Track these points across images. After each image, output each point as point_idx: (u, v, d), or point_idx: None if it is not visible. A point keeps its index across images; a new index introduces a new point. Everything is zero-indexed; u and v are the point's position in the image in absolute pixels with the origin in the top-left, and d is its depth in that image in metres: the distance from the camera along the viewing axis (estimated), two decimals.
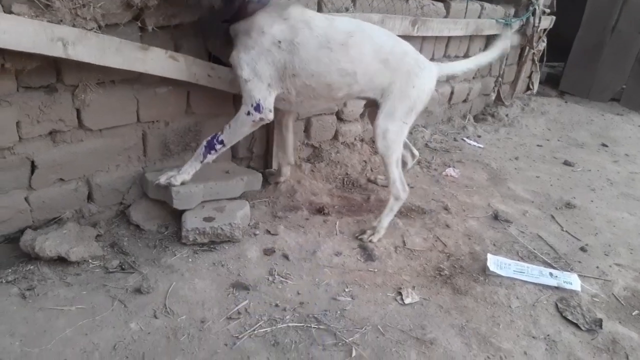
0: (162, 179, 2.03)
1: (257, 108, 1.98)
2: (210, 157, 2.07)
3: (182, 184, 2.05)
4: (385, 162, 2.23)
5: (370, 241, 2.21)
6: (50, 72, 1.77)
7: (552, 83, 5.71)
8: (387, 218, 2.28)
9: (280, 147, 2.50)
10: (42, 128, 1.82)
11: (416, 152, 2.68)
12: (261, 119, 2.00)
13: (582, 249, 2.39)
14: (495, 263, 2.13)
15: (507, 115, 4.20)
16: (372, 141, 3.23)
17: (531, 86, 4.80)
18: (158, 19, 1.92)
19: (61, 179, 1.94)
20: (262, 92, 1.97)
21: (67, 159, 1.92)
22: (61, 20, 1.65)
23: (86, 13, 1.70)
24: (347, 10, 2.59)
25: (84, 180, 2.01)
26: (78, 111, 1.89)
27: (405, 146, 2.54)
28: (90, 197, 2.06)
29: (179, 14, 1.97)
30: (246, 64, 1.93)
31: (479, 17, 3.64)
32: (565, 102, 5.03)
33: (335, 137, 3.02)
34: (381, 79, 2.13)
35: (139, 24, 1.89)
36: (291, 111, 2.38)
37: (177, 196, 2.05)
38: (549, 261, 2.24)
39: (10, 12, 1.54)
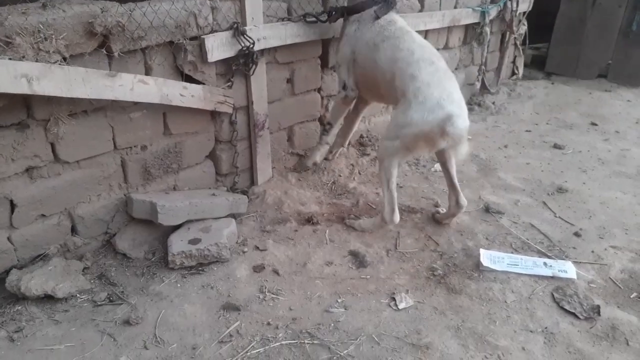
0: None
1: (344, 87, 2.46)
2: (326, 137, 2.68)
3: (314, 163, 2.75)
4: (378, 174, 2.27)
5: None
6: (20, 109, 1.75)
7: (538, 65, 5.65)
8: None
9: (342, 130, 2.70)
10: (18, 166, 1.80)
11: (463, 202, 2.35)
12: (346, 96, 2.48)
13: (577, 234, 2.36)
14: (489, 258, 2.11)
15: (493, 103, 4.17)
16: (359, 144, 3.21)
17: (516, 71, 4.78)
18: (124, 44, 1.89)
19: (42, 215, 1.92)
20: (345, 75, 2.45)
21: (46, 194, 1.90)
22: (23, 56, 1.63)
23: (49, 46, 1.68)
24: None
25: (66, 214, 1.99)
26: (52, 145, 1.87)
27: (453, 188, 2.35)
28: (74, 230, 2.03)
29: (146, 37, 1.95)
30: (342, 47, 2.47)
31: (455, 7, 3.61)
32: (552, 83, 4.99)
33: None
34: (393, 89, 2.17)
35: (105, 51, 1.87)
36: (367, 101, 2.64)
37: (163, 210, 2.04)
38: (543, 250, 2.22)
39: None
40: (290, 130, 2.80)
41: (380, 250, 2.18)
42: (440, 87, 2.00)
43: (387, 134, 2.17)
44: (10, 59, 1.58)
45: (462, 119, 1.97)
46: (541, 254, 2.19)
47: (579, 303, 1.88)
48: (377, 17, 2.28)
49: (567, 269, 2.05)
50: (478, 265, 2.08)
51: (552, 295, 1.93)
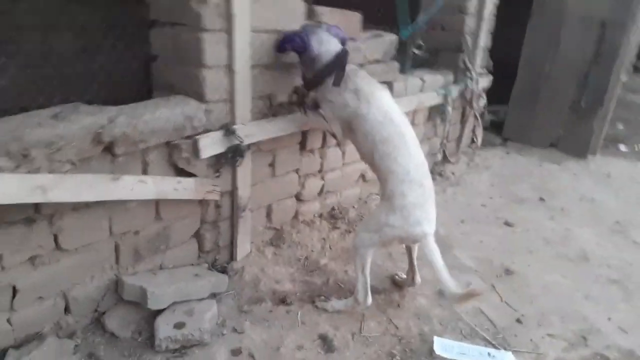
0: None
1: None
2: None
3: None
4: (353, 259, 2.53)
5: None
6: (28, 206, 1.93)
7: (496, 129, 6.08)
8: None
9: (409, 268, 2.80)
10: (22, 256, 1.97)
11: (418, 280, 2.78)
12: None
13: (518, 321, 2.67)
14: (441, 346, 2.38)
15: (453, 174, 4.54)
16: (331, 216, 3.48)
17: (475, 139, 5.16)
18: (127, 148, 2.11)
19: (40, 297, 2.09)
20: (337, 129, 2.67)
21: (45, 279, 2.07)
22: (39, 168, 1.83)
23: (61, 156, 1.89)
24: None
25: (62, 295, 2.16)
26: (55, 236, 2.05)
27: (412, 267, 2.77)
28: (67, 309, 2.20)
29: (146, 139, 2.17)
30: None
31: (421, 90, 3.97)
32: (507, 153, 5.41)
33: (296, 216, 3.24)
34: (381, 175, 2.49)
35: (110, 154, 2.08)
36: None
37: (152, 297, 2.24)
38: (488, 338, 2.51)
39: None
40: (269, 207, 3.04)
41: (347, 334, 2.42)
42: (423, 209, 2.41)
43: (367, 227, 2.48)
44: (28, 171, 1.78)
45: (431, 235, 2.43)
46: (487, 342, 2.48)
47: None
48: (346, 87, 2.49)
49: None
50: (431, 352, 2.35)
51: None
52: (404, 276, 2.88)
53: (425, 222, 2.41)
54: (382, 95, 2.57)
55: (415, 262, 2.77)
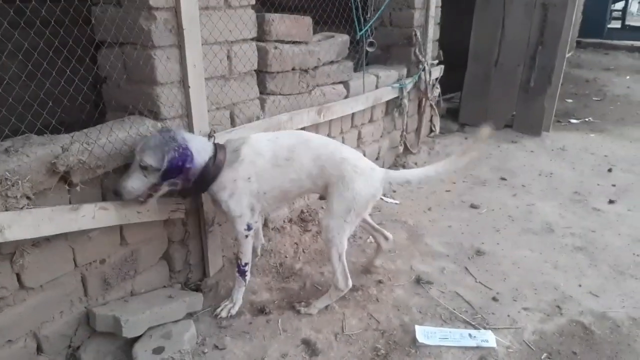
0: (224, 314, 2.51)
1: (248, 228, 2.47)
2: (247, 277, 2.58)
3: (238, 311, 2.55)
4: (328, 253, 2.53)
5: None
6: None
7: (452, 116, 6.23)
8: (323, 302, 2.60)
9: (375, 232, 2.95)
10: None
11: (389, 235, 2.93)
12: (252, 230, 2.52)
13: (494, 299, 2.73)
14: (423, 333, 2.41)
15: (415, 164, 4.61)
16: (301, 219, 3.48)
17: (433, 128, 5.27)
18: (84, 176, 2.05)
19: (9, 340, 2.00)
20: (249, 218, 2.47)
21: (12, 321, 1.98)
22: None
23: (16, 192, 1.81)
24: (257, 118, 2.83)
25: (32, 335, 2.07)
26: (18, 275, 1.97)
27: (376, 230, 2.92)
28: (39, 349, 2.12)
29: (104, 166, 2.12)
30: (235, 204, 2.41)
31: (376, 86, 4.02)
32: (466, 138, 5.54)
33: (265, 224, 3.22)
34: (321, 181, 2.50)
35: (66, 184, 2.02)
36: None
37: (127, 325, 2.17)
38: (468, 319, 2.56)
39: None
40: None
41: (330, 335, 2.42)
42: (363, 159, 2.59)
43: (335, 213, 2.44)
44: None
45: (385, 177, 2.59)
46: (466, 324, 2.53)
47: None
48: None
49: (488, 339, 2.39)
50: (414, 341, 2.38)
51: None
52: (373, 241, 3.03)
53: (376, 167, 2.59)
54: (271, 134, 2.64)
55: (375, 224, 2.94)
